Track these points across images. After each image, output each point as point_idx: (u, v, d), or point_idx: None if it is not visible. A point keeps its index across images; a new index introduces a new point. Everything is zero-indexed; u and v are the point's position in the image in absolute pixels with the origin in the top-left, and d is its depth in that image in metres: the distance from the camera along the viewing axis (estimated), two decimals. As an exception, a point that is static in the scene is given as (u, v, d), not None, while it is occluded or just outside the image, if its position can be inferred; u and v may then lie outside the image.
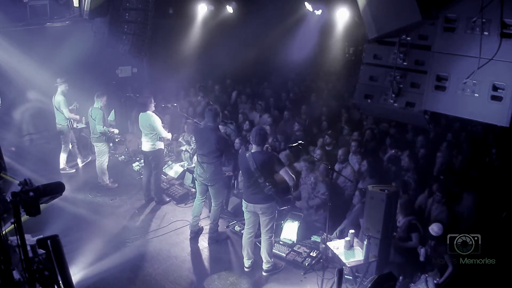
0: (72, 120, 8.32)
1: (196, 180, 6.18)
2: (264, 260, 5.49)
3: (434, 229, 4.80)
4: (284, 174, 5.13)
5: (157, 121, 6.92)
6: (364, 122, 9.00)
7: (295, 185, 6.63)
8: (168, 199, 7.38)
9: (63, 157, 8.47)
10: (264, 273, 5.50)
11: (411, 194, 6.07)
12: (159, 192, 7.27)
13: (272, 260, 5.52)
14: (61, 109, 8.15)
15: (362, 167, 6.54)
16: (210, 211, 6.33)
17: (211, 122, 5.76)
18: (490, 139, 7.71)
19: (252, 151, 5.19)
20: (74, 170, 8.50)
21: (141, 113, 7.01)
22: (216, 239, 6.19)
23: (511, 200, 5.38)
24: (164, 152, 7.58)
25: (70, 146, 8.50)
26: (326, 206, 5.92)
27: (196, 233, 6.32)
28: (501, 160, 6.65)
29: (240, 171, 5.56)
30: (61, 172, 8.37)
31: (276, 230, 6.00)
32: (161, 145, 7.13)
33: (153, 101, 7.04)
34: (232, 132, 8.26)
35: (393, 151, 7.03)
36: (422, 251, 4.86)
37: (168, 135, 7.23)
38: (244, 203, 5.39)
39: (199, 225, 6.38)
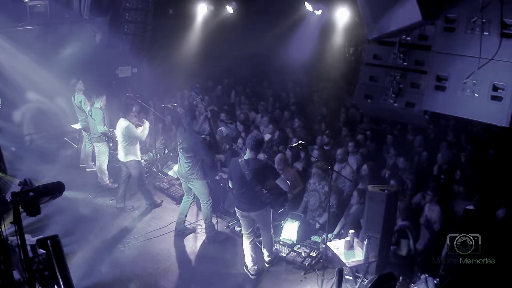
0: None
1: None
2: (266, 254, 5.54)
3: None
4: (281, 183, 5.07)
5: (131, 129, 6.67)
6: (363, 122, 8.97)
7: (302, 189, 6.63)
8: (160, 201, 7.27)
9: (87, 153, 8.50)
10: (267, 265, 5.58)
11: (409, 194, 6.07)
12: (149, 197, 7.14)
13: (274, 250, 5.62)
14: (83, 108, 8.12)
15: (363, 171, 6.52)
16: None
17: (190, 123, 5.89)
18: (487, 139, 7.71)
19: (246, 157, 5.04)
20: (96, 168, 8.35)
21: (120, 118, 6.81)
22: (214, 238, 6.20)
23: (509, 200, 5.39)
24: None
25: (89, 147, 8.42)
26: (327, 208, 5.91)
27: (181, 232, 6.34)
28: (497, 161, 6.66)
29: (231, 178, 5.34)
30: (80, 165, 8.54)
31: (276, 230, 6.02)
32: (137, 156, 6.89)
33: (136, 110, 6.88)
34: (231, 132, 8.26)
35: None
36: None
37: (144, 133, 6.90)
38: (237, 211, 5.32)
39: (186, 224, 6.42)
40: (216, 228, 6.35)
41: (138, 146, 6.95)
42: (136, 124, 6.82)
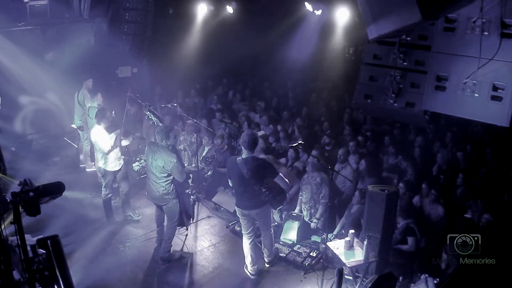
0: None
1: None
2: (266, 254, 5.56)
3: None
4: (279, 181, 5.09)
5: (101, 136, 6.25)
6: (366, 124, 8.96)
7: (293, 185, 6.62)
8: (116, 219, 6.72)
9: (85, 153, 8.43)
10: (266, 265, 5.58)
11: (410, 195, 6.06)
12: (108, 211, 6.71)
13: (274, 250, 5.63)
14: (85, 104, 8.07)
15: (361, 166, 6.51)
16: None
17: (162, 140, 5.37)
18: (486, 139, 7.71)
19: (243, 156, 5.04)
20: (95, 169, 8.21)
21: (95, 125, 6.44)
22: (169, 259, 5.72)
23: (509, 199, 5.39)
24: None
25: (87, 146, 8.35)
26: (326, 207, 5.92)
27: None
28: (496, 161, 6.66)
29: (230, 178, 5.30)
30: (80, 165, 8.48)
31: (276, 231, 6.02)
32: (106, 164, 6.41)
33: (110, 115, 6.39)
34: (233, 133, 8.27)
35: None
36: None
37: (107, 143, 6.21)
38: (238, 210, 5.34)
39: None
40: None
41: (109, 155, 6.34)
42: (110, 130, 6.34)
